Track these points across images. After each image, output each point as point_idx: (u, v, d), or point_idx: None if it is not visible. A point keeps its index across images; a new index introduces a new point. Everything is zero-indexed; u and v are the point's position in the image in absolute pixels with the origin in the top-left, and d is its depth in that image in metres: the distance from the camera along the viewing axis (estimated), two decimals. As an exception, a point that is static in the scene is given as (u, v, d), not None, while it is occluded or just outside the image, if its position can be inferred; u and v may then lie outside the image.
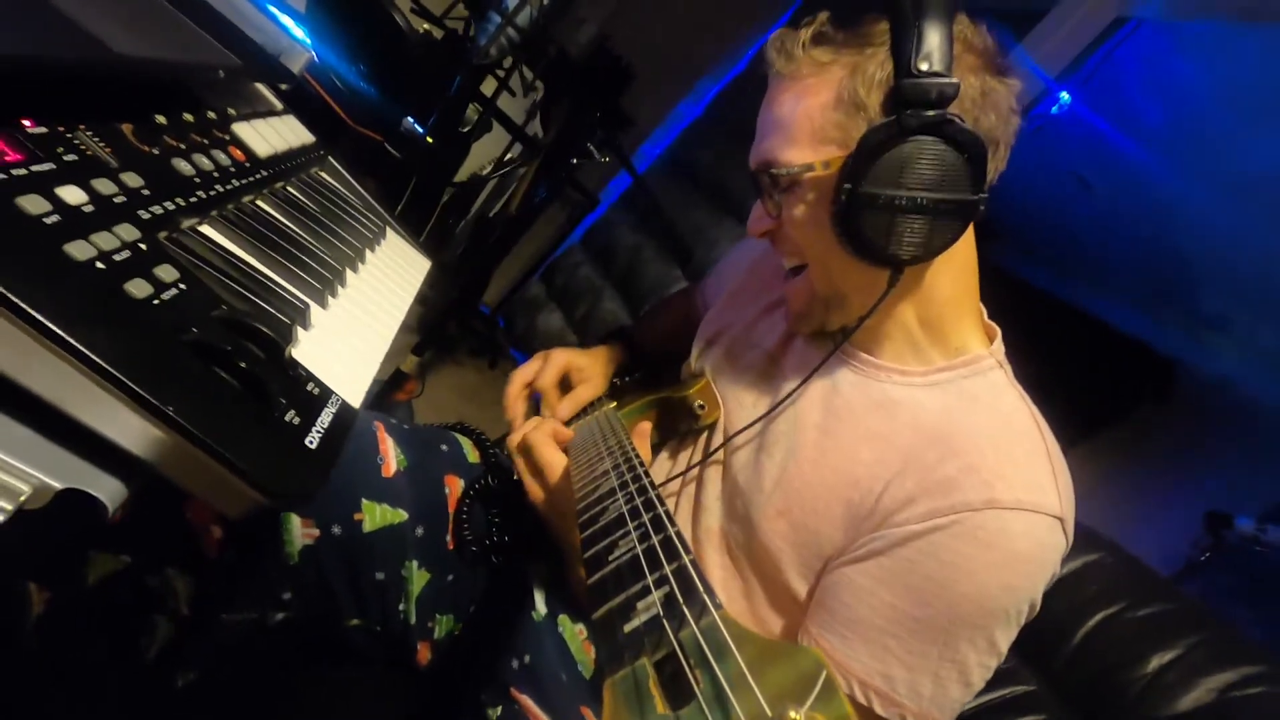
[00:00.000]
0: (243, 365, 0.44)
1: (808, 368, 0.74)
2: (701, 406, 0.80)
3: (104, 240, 0.43)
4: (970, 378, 0.67)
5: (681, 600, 0.34)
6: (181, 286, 0.46)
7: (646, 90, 2.59)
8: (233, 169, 0.64)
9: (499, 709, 0.73)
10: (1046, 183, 2.14)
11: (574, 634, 0.80)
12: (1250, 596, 1.87)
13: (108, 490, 0.41)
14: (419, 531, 0.75)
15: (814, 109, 0.62)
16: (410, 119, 1.26)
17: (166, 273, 0.45)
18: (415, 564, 0.74)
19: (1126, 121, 2.00)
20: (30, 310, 0.35)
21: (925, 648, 0.58)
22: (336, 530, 0.68)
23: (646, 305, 2.37)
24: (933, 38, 0.56)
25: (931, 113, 0.56)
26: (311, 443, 0.47)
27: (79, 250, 0.40)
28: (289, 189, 0.73)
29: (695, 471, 0.79)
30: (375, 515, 0.71)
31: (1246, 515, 2.01)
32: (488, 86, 2.08)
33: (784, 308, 0.80)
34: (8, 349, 0.37)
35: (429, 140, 1.28)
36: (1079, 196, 2.20)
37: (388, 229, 0.88)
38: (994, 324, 0.72)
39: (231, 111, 0.70)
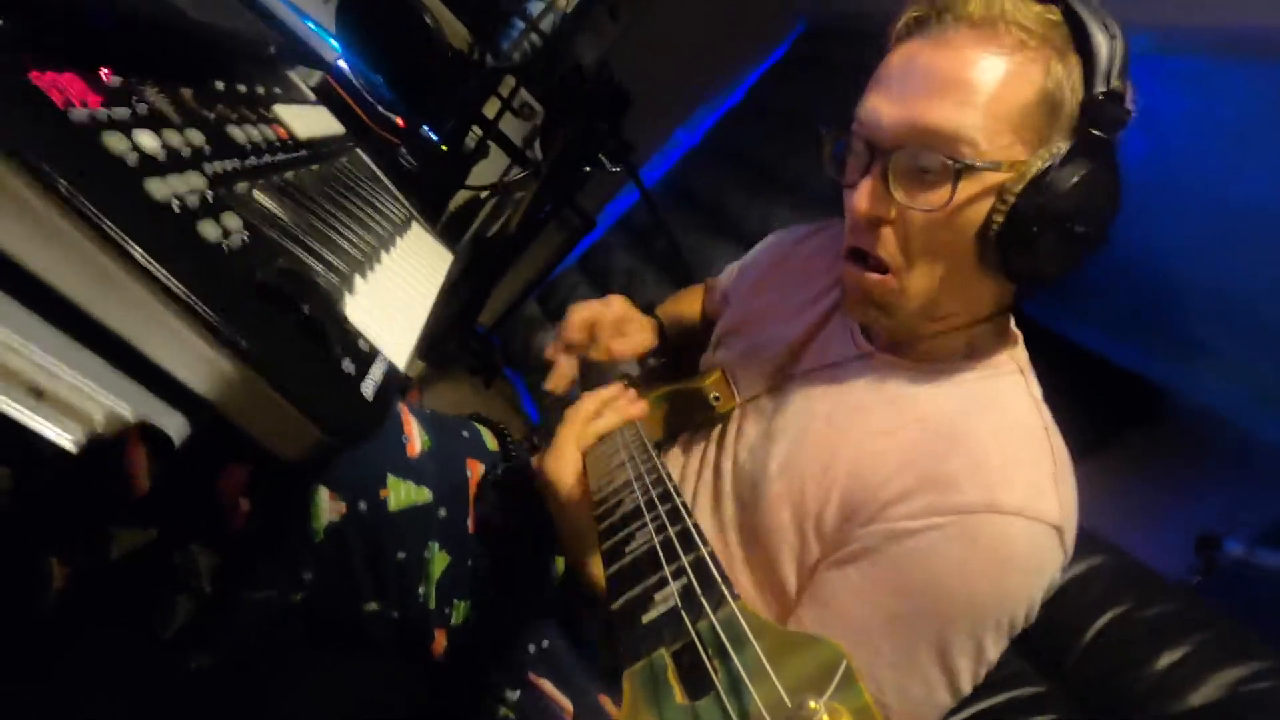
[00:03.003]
0: (306, 310, 0.45)
1: (825, 363, 0.74)
2: (716, 397, 0.80)
3: (178, 183, 0.44)
4: (989, 379, 0.66)
5: (699, 591, 0.35)
6: (246, 235, 0.47)
7: (645, 117, 2.65)
8: (278, 144, 0.65)
9: (517, 693, 0.73)
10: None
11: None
12: (1244, 620, 1.88)
13: (174, 426, 0.41)
14: (442, 513, 0.75)
15: (1022, 92, 0.55)
16: (425, 126, 1.28)
17: (232, 221, 0.46)
18: (437, 546, 0.74)
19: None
20: (122, 237, 0.36)
21: (914, 647, 0.56)
22: (363, 506, 0.68)
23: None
24: (1120, 55, 0.54)
25: (1109, 137, 0.55)
26: (367, 391, 0.47)
27: (158, 189, 0.42)
28: (325, 171, 0.74)
29: (713, 460, 0.79)
30: (400, 493, 0.71)
31: (1236, 538, 2.03)
32: (489, 109, 2.11)
33: (816, 305, 0.81)
34: (84, 279, 0.37)
35: (444, 148, 1.31)
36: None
37: (413, 221, 0.90)
38: (1018, 330, 0.71)
39: (278, 91, 0.72)
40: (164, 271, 0.37)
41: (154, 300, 0.38)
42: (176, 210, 0.42)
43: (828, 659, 0.27)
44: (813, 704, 0.25)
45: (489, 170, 2.46)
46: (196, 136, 0.51)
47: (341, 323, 0.50)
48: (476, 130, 1.92)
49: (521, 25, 1.17)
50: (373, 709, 0.81)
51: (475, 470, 0.81)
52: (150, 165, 0.43)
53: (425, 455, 0.75)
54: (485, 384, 2.52)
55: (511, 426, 0.95)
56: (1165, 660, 0.90)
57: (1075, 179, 0.54)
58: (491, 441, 0.88)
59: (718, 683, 0.29)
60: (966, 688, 0.59)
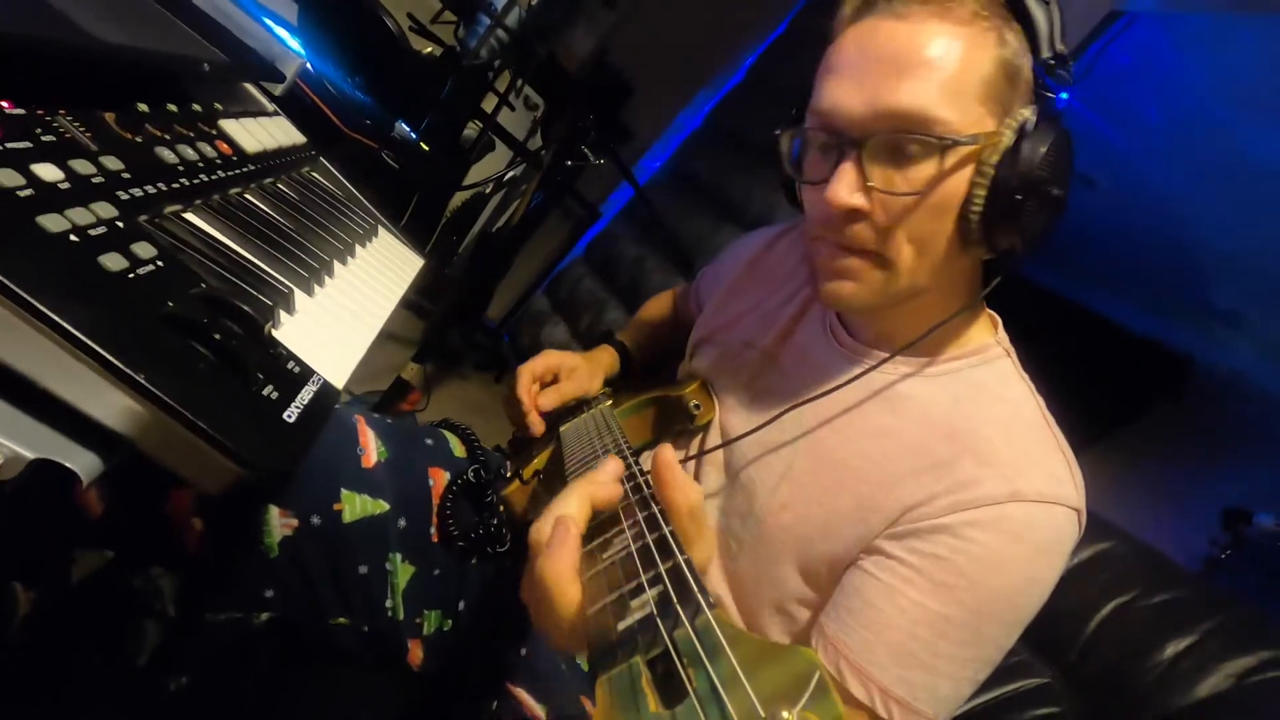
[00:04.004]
0: (218, 338, 0.44)
1: (807, 364, 0.73)
2: (697, 406, 0.79)
3: (79, 215, 0.43)
4: (979, 367, 0.65)
5: (675, 599, 0.34)
6: (159, 264, 0.46)
7: (646, 103, 2.61)
8: (219, 161, 0.64)
9: (495, 703, 0.72)
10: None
11: None
12: (1274, 593, 1.83)
13: (82, 463, 0.41)
14: (401, 523, 0.74)
15: (984, 63, 0.54)
16: (403, 124, 1.27)
17: (144, 249, 0.45)
18: (399, 557, 0.73)
19: (1126, 117, 2.00)
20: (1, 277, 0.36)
21: (951, 649, 0.55)
22: (315, 520, 0.67)
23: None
24: (1057, 20, 0.55)
25: (1062, 98, 0.55)
26: (290, 417, 0.46)
27: (52, 223, 0.41)
28: (278, 185, 0.73)
29: (692, 470, 0.78)
30: (355, 505, 0.70)
31: (1266, 511, 1.97)
32: (488, 104, 2.10)
33: (789, 305, 0.79)
34: (-21, 319, 0.37)
35: (423, 146, 1.29)
36: (1082, 194, 2.18)
37: (380, 227, 0.89)
38: (994, 313, 0.70)
39: (219, 107, 0.71)
40: (48, 309, 0.36)
41: (45, 339, 0.37)
42: (74, 242, 0.41)
43: (802, 669, 0.27)
44: (786, 714, 0.26)
45: (495, 165, 2.46)
46: (113, 162, 0.50)
47: (266, 347, 0.49)
48: (476, 124, 1.91)
49: (487, 22, 1.15)
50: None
51: (439, 479, 0.80)
52: (49, 198, 0.42)
53: (382, 466, 0.74)
54: (495, 378, 2.53)
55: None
56: (1171, 650, 0.87)
57: (1048, 143, 0.54)
58: (459, 448, 0.87)
59: (693, 691, 0.29)
60: (984, 679, 0.59)
